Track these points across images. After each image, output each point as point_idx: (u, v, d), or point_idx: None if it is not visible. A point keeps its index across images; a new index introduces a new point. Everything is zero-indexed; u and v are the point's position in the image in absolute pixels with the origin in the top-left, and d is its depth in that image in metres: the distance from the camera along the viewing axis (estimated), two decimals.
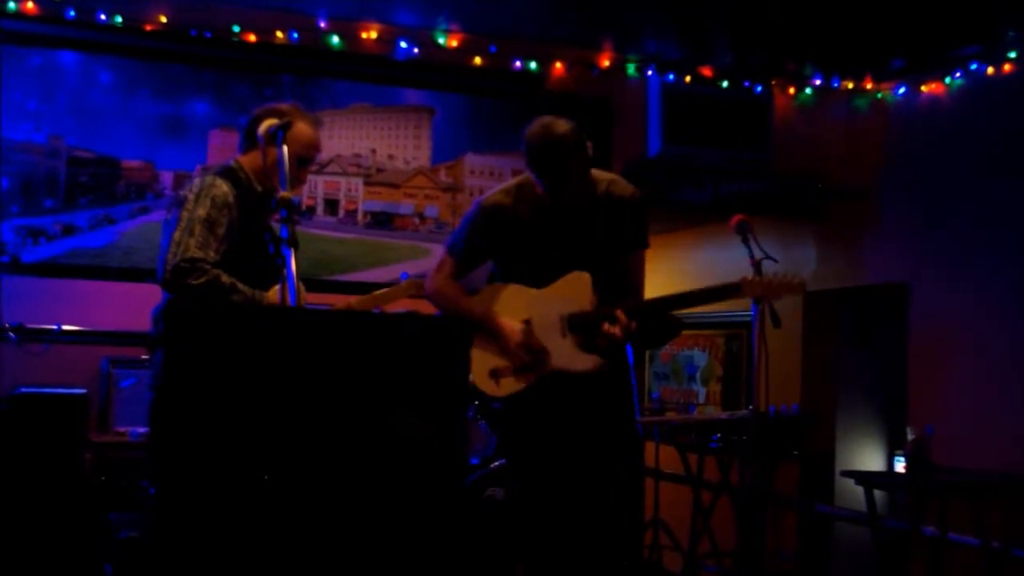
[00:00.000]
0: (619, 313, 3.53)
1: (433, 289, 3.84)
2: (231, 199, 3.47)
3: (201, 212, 3.40)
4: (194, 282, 3.29)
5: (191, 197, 3.44)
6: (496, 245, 3.78)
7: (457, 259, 3.83)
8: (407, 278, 4.38)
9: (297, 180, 3.65)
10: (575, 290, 3.64)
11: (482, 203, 3.79)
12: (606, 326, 3.52)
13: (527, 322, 3.68)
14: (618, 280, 3.72)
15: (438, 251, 6.20)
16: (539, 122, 3.63)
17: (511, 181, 3.83)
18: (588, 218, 3.69)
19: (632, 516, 3.75)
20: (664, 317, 3.79)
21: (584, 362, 3.60)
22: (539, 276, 3.71)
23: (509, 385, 3.68)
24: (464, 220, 3.84)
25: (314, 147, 3.67)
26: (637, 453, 3.83)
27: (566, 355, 3.61)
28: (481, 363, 3.69)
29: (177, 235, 3.36)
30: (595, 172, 3.74)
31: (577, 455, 3.67)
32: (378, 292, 4.20)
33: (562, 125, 3.58)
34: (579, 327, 3.60)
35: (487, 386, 3.70)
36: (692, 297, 3.60)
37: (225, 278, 3.33)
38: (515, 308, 3.71)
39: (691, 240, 7.50)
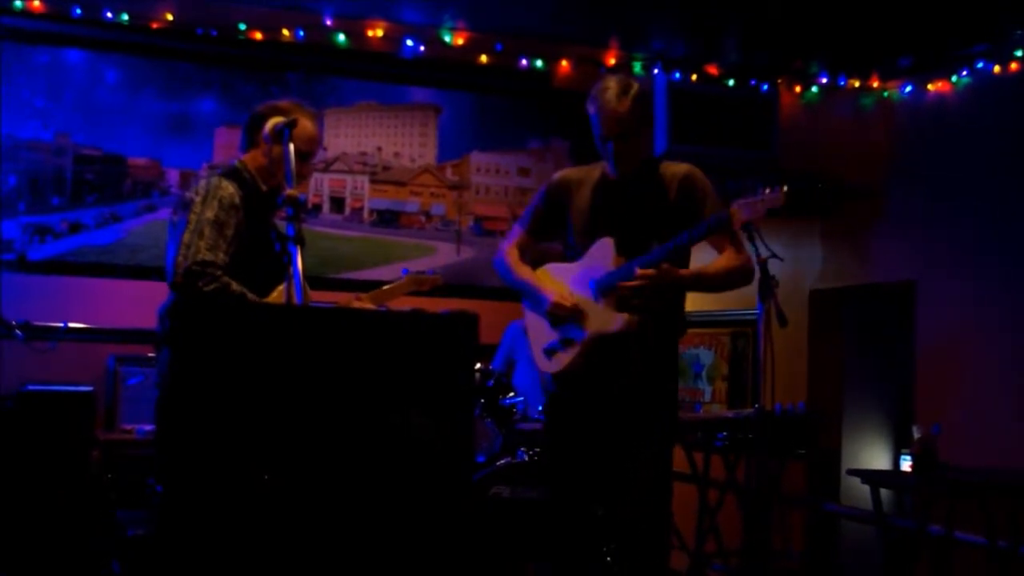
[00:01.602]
0: (637, 270, 3.57)
1: (498, 254, 4.00)
2: (238, 200, 3.47)
3: (209, 214, 3.39)
4: (204, 288, 3.28)
5: (198, 199, 3.44)
6: (558, 216, 3.89)
7: (523, 227, 3.98)
8: (408, 274, 4.40)
9: (301, 175, 3.67)
10: (601, 256, 3.74)
11: (555, 175, 3.97)
12: (623, 283, 3.59)
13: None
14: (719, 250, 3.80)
15: (444, 248, 6.23)
16: (615, 75, 3.83)
17: (589, 165, 3.93)
18: (645, 195, 3.76)
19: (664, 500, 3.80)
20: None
21: (615, 321, 3.65)
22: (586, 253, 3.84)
23: (560, 360, 3.78)
24: (537, 192, 4.01)
25: (315, 141, 3.69)
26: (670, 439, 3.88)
27: (601, 318, 3.69)
28: (537, 342, 3.87)
29: (186, 238, 3.35)
30: (661, 161, 3.86)
31: (618, 440, 3.71)
32: (382, 289, 4.22)
33: (632, 79, 3.78)
34: (605, 289, 3.68)
35: (543, 364, 3.86)
36: (690, 238, 3.60)
37: (235, 287, 3.33)
38: (555, 285, 3.84)
39: None
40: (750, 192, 3.61)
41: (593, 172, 3.86)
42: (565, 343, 3.76)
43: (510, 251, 3.96)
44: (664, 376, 3.80)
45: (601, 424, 3.74)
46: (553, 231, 3.96)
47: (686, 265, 3.76)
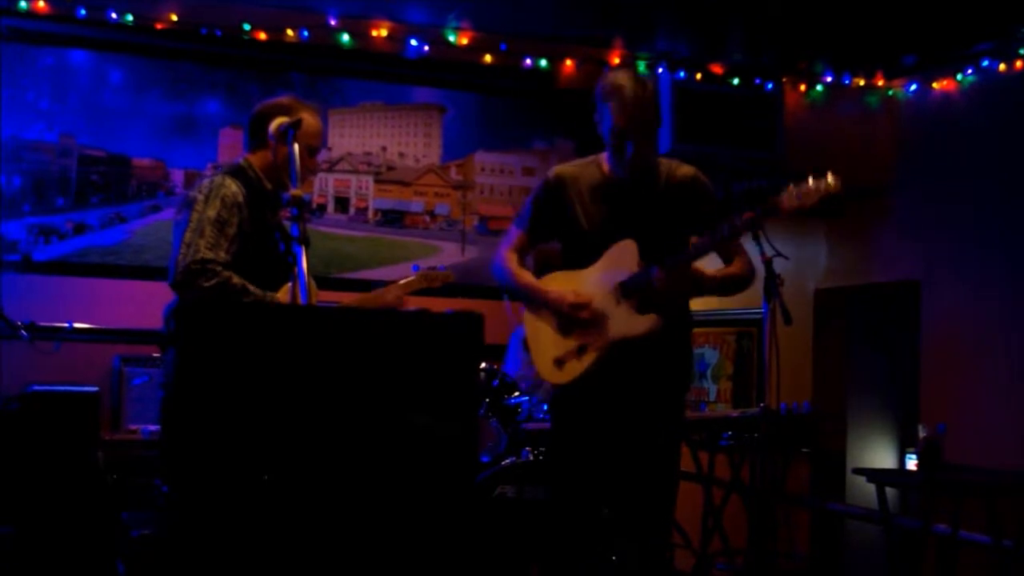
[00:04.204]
0: (661, 268, 3.52)
1: (495, 258, 3.85)
2: (241, 198, 3.47)
3: (211, 213, 3.40)
4: (205, 284, 3.29)
5: (200, 198, 3.44)
6: (559, 215, 3.75)
7: (522, 230, 3.82)
8: (418, 270, 4.39)
9: (308, 171, 3.70)
10: (623, 258, 3.63)
11: (549, 173, 3.81)
12: (653, 276, 3.52)
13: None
14: (722, 255, 3.73)
15: (449, 248, 6.21)
16: (629, 69, 3.73)
17: (582, 159, 3.81)
18: (651, 195, 3.69)
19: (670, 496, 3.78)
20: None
21: (642, 323, 3.57)
22: (598, 255, 3.70)
23: (573, 368, 3.66)
24: (532, 193, 3.86)
25: (320, 135, 3.72)
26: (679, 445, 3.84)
27: (624, 321, 3.60)
28: (543, 353, 3.70)
29: (187, 236, 3.36)
30: (660, 159, 3.76)
31: (627, 443, 3.67)
32: (396, 284, 4.21)
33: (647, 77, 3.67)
34: (631, 291, 3.60)
35: (553, 376, 3.70)
36: (731, 233, 3.52)
37: (236, 280, 3.34)
38: (568, 289, 3.71)
39: None
40: (758, 193, 3.59)
41: (590, 169, 3.74)
42: (581, 349, 3.64)
43: (509, 256, 3.80)
44: (683, 378, 3.79)
45: (612, 427, 3.67)
46: (552, 231, 3.82)
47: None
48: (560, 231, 3.80)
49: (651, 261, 3.56)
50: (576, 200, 3.72)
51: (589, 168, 3.75)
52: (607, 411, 3.69)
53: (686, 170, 3.74)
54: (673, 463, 3.77)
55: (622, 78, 3.62)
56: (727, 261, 3.75)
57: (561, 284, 3.74)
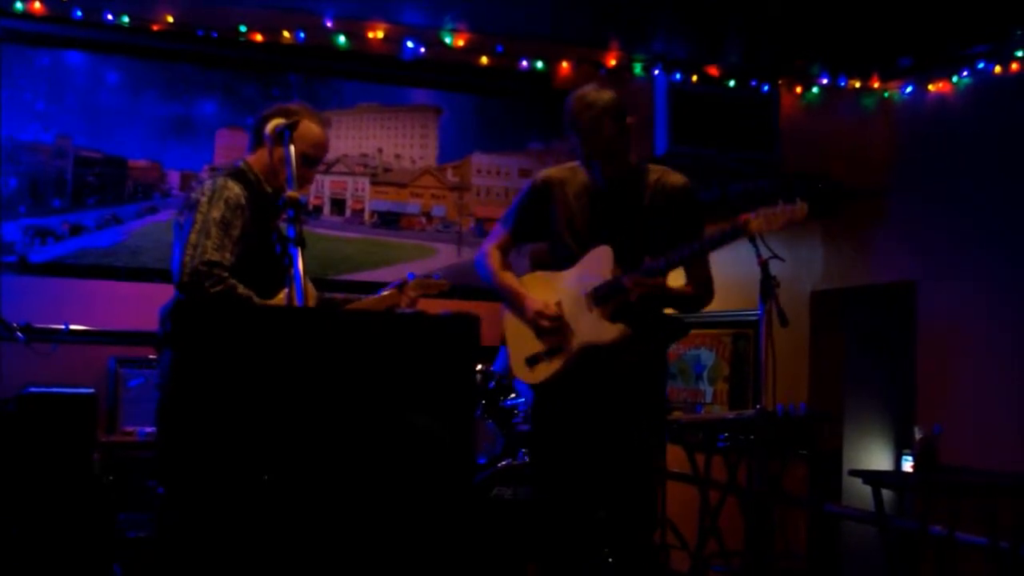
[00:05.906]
0: (634, 276, 3.54)
1: (479, 254, 3.90)
2: (243, 200, 3.46)
3: (215, 214, 3.39)
4: (211, 288, 3.28)
5: (204, 199, 3.43)
6: (544, 218, 3.80)
7: (507, 229, 3.88)
8: (414, 278, 4.38)
9: (304, 179, 3.65)
10: (597, 265, 3.67)
11: (537, 175, 3.86)
12: (626, 284, 3.54)
13: (557, 304, 3.71)
14: (689, 272, 3.76)
15: (445, 250, 6.21)
16: (582, 87, 3.70)
17: (571, 163, 3.83)
18: (635, 203, 3.70)
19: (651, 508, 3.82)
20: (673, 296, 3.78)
21: (610, 332, 3.61)
22: (577, 259, 3.74)
23: (543, 370, 3.71)
24: (519, 193, 3.91)
25: (321, 146, 3.67)
26: (660, 445, 3.87)
27: (594, 328, 3.63)
28: (517, 351, 3.76)
29: (193, 238, 3.35)
30: (650, 164, 3.80)
31: (605, 443, 3.68)
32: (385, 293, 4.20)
33: (604, 91, 3.65)
34: (602, 298, 3.63)
35: (524, 374, 3.76)
36: (702, 247, 3.57)
37: (241, 290, 3.32)
38: (545, 292, 3.75)
39: None
40: (755, 194, 3.60)
41: (578, 172, 3.77)
42: (551, 352, 3.69)
43: (492, 253, 3.85)
44: (654, 383, 3.80)
45: (588, 431, 3.69)
46: (536, 233, 3.87)
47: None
48: (544, 233, 3.85)
49: (626, 268, 3.59)
50: (561, 204, 3.76)
51: (577, 172, 3.78)
52: (581, 414, 3.70)
53: (676, 179, 3.75)
54: (650, 467, 3.79)
55: (579, 106, 3.62)
56: (691, 277, 3.77)
57: (539, 284, 3.79)
